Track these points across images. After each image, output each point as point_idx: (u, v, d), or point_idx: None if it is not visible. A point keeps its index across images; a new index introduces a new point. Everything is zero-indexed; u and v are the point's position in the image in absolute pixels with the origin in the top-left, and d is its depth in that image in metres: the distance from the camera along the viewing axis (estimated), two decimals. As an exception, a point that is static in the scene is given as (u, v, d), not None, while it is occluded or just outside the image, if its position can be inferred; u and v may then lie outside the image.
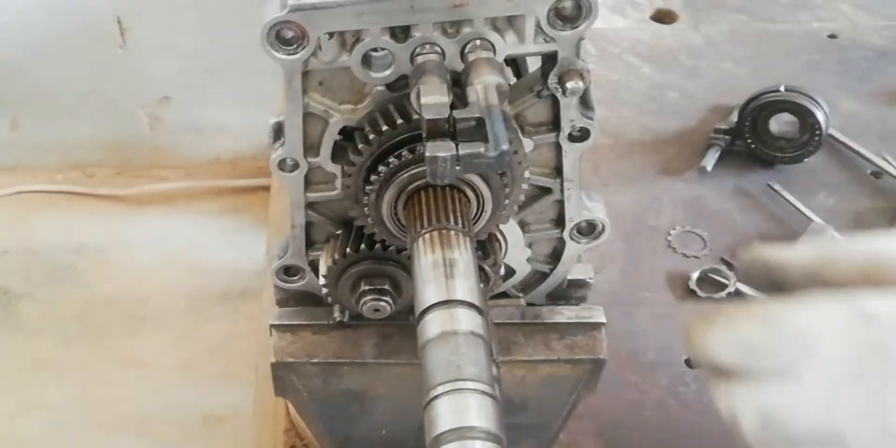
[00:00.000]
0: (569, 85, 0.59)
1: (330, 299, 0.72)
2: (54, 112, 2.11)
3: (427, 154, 0.51)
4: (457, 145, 0.51)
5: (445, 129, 0.53)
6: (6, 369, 1.87)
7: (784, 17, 1.47)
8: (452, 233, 0.57)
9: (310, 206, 0.69)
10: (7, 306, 1.98)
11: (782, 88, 1.17)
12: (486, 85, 0.54)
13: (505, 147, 0.51)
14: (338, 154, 0.64)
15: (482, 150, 0.52)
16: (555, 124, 0.64)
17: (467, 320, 0.52)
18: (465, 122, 0.52)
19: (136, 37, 1.97)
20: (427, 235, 0.57)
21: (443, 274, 0.54)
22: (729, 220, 1.14)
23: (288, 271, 0.74)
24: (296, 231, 0.70)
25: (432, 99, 0.53)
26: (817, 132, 1.14)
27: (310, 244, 0.72)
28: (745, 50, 1.41)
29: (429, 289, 0.54)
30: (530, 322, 0.75)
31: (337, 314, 0.74)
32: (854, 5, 1.48)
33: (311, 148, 0.64)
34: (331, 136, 0.63)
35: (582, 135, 0.64)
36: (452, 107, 0.54)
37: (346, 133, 0.64)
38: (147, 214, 2.15)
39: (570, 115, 0.63)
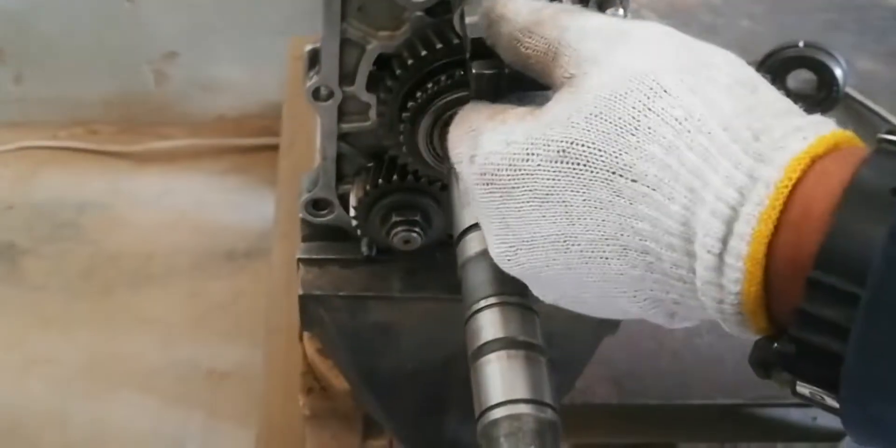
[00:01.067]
0: (608, 12, 0.59)
1: (359, 232, 0.72)
2: (59, 67, 2.09)
3: (473, 71, 0.51)
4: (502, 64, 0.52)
5: (490, 49, 0.53)
6: (11, 325, 1.88)
7: (800, -25, 1.46)
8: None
9: (342, 137, 0.69)
10: (12, 261, 1.98)
11: (801, 44, 1.16)
12: None
13: None
14: (372, 83, 0.64)
15: None
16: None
17: (507, 240, 0.53)
18: None
19: (142, -10, 1.95)
20: (465, 159, 0.57)
21: (481, 196, 0.55)
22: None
23: (316, 205, 0.74)
24: (327, 163, 0.70)
25: (476, 18, 0.53)
26: (835, 89, 1.14)
27: (339, 177, 0.72)
28: (763, 8, 1.40)
29: (467, 211, 0.54)
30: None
31: (364, 248, 0.74)
32: (871, -36, 1.47)
33: (346, 76, 0.64)
34: (367, 64, 0.63)
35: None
36: None
37: (381, 62, 0.64)
38: (151, 172, 2.14)
39: (607, 46, 0.63)
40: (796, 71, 1.17)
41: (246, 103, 2.20)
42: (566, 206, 0.43)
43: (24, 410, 1.74)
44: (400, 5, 0.60)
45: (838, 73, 1.14)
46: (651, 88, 0.42)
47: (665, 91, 0.42)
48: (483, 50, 0.53)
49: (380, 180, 0.68)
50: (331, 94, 0.65)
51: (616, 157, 0.42)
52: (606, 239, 0.42)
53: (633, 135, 0.41)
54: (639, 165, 0.41)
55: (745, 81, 0.43)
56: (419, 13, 0.60)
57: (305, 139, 1.72)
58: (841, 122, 1.20)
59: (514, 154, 0.45)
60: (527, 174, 0.45)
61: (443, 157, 0.61)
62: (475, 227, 0.53)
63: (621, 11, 0.60)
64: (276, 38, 1.99)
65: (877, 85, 1.23)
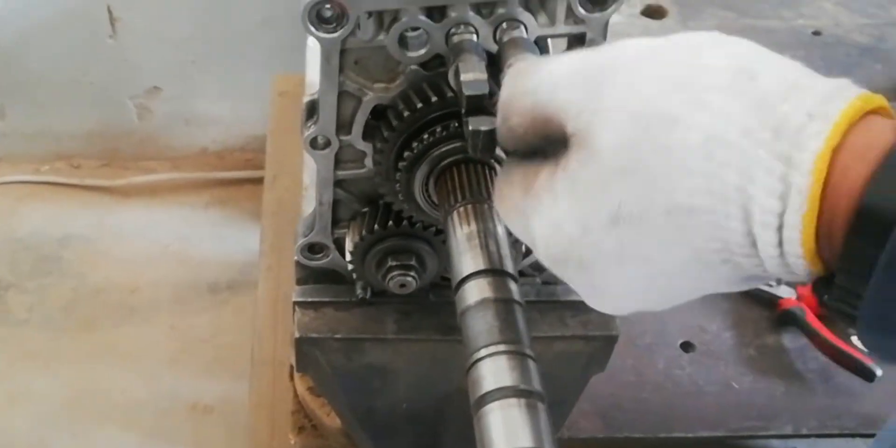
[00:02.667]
0: None
1: (354, 276, 0.74)
2: (42, 102, 2.09)
3: (470, 128, 0.53)
4: (498, 120, 0.54)
5: (484, 105, 0.55)
6: (-7, 360, 1.86)
7: (769, 14, 1.50)
8: (486, 205, 0.59)
9: (338, 184, 0.70)
10: (-6, 296, 1.97)
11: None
12: (514, 64, 0.56)
13: None
14: (368, 132, 0.66)
15: None
16: (578, 105, 0.66)
17: (504, 287, 0.54)
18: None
19: (126, 26, 1.96)
20: (461, 208, 0.59)
21: (478, 244, 0.57)
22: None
23: (312, 249, 0.76)
24: (323, 208, 0.72)
25: (472, 76, 0.56)
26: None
27: (335, 222, 0.73)
28: None
29: (466, 258, 0.56)
30: (546, 300, 0.78)
31: (359, 291, 0.76)
32: (836, 3, 1.52)
33: (342, 126, 0.66)
34: (363, 114, 0.65)
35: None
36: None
37: (376, 112, 0.66)
38: (134, 206, 2.14)
39: (595, 96, 0.65)
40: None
41: (228, 137, 2.21)
42: (642, 257, 0.46)
43: (7, 446, 1.73)
44: (395, 59, 0.62)
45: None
46: (659, 123, 0.43)
47: (673, 121, 0.43)
48: (479, 106, 0.55)
49: (375, 226, 0.69)
50: (328, 143, 0.67)
51: (663, 201, 0.44)
52: (686, 264, 0.45)
53: (667, 176, 0.43)
54: (687, 201, 0.43)
55: (741, 69, 0.44)
56: (414, 67, 0.62)
57: (289, 173, 1.74)
58: None
59: (571, 235, 0.47)
60: (591, 245, 0.47)
61: (438, 204, 0.63)
62: (473, 275, 0.55)
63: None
64: (258, 72, 2.01)
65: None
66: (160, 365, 1.89)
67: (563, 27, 0.61)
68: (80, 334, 1.91)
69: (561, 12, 0.60)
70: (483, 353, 0.51)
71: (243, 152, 2.22)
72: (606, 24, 0.61)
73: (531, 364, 0.51)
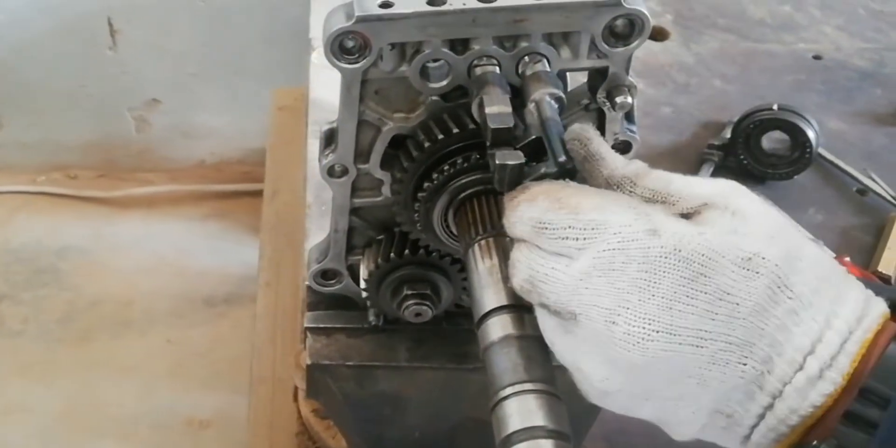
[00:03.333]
0: (618, 100, 0.62)
1: (368, 303, 0.73)
2: (40, 112, 2.08)
3: (497, 162, 0.53)
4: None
5: (509, 138, 0.55)
6: (-11, 372, 1.85)
7: (770, 37, 1.50)
8: (507, 239, 0.58)
9: (353, 211, 0.70)
10: (-10, 308, 1.96)
11: (775, 107, 1.20)
12: (539, 100, 0.56)
13: (562, 159, 0.53)
14: (386, 161, 0.66)
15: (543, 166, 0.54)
16: (597, 136, 0.66)
17: (528, 323, 0.54)
18: (525, 147, 0.55)
19: (126, 38, 1.96)
20: (483, 241, 0.59)
21: (500, 279, 0.56)
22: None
23: (325, 275, 0.75)
24: (338, 236, 0.71)
25: (496, 109, 0.55)
26: (808, 150, 1.18)
27: (349, 249, 0.73)
28: (734, 68, 1.43)
29: (488, 293, 0.56)
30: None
31: (372, 318, 0.75)
32: (837, 28, 1.53)
33: (360, 155, 0.66)
34: (382, 144, 0.65)
35: (624, 147, 0.66)
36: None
37: (394, 141, 0.66)
38: (131, 218, 2.13)
39: (615, 129, 0.65)
40: (770, 132, 1.20)
41: (226, 149, 2.21)
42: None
43: (1, 461, 1.71)
44: (416, 90, 0.62)
45: (811, 134, 1.18)
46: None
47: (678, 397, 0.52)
48: (504, 139, 0.55)
49: (391, 254, 0.69)
50: (345, 171, 0.66)
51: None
52: (738, 345, 0.50)
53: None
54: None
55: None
56: (435, 97, 0.62)
57: (288, 187, 1.73)
58: (813, 181, 1.22)
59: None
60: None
61: (457, 235, 0.63)
62: (496, 310, 0.55)
63: (630, 99, 0.62)
64: (257, 86, 2.02)
65: (845, 144, 1.27)
66: (157, 378, 1.88)
67: (586, 61, 0.61)
68: (76, 347, 1.90)
69: (584, 47, 0.60)
70: (509, 391, 0.50)
71: (241, 165, 2.22)
72: (629, 58, 0.61)
73: (558, 403, 0.51)
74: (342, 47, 0.58)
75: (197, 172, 2.21)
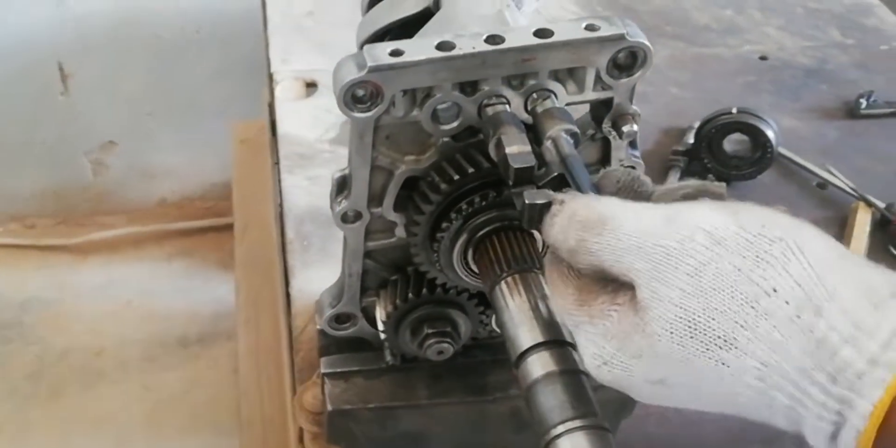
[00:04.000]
0: (624, 129, 0.63)
1: (387, 344, 0.73)
2: (-8, 164, 2.04)
3: (526, 202, 0.53)
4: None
5: (532, 177, 0.56)
6: (-44, 435, 1.78)
7: (717, 42, 1.55)
8: (534, 273, 0.59)
9: (367, 254, 0.70)
10: (-47, 368, 1.89)
11: (734, 110, 1.24)
12: (556, 137, 0.57)
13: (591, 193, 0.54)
14: (399, 203, 0.66)
15: None
16: (603, 164, 0.67)
17: (567, 358, 0.55)
18: (548, 184, 0.56)
19: (78, 82, 1.93)
20: (509, 279, 0.59)
21: (533, 316, 0.57)
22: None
23: (339, 319, 0.75)
24: (352, 280, 0.71)
25: (516, 148, 0.56)
26: (769, 150, 1.22)
27: (362, 291, 0.73)
28: (687, 75, 1.47)
29: (523, 331, 0.56)
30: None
31: (389, 358, 0.75)
32: (779, 28, 1.57)
33: (373, 199, 0.66)
34: (395, 187, 0.65)
35: (629, 173, 0.68)
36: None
37: (406, 183, 0.66)
38: (94, 264, 2.08)
39: (620, 156, 0.66)
40: (731, 135, 1.24)
41: (187, 186, 2.18)
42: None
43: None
44: (426, 132, 0.62)
45: (770, 134, 1.22)
46: (715, 340, 0.46)
47: (729, 342, 0.46)
48: (527, 178, 0.56)
49: (409, 294, 0.69)
50: (359, 216, 0.66)
51: (710, 391, 0.48)
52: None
53: (718, 380, 0.47)
54: (736, 400, 0.47)
55: (807, 301, 0.45)
56: (446, 139, 0.63)
57: (258, 223, 1.72)
58: (775, 179, 1.25)
59: (613, 371, 0.51)
60: (633, 387, 0.51)
61: (479, 273, 0.63)
62: (534, 348, 0.55)
63: (635, 127, 0.64)
64: (213, 120, 2.00)
65: (801, 141, 1.30)
66: (134, 427, 1.84)
67: (591, 93, 0.62)
68: (48, 402, 1.85)
69: (590, 80, 0.61)
70: (560, 429, 0.51)
71: (203, 201, 2.19)
72: (633, 88, 0.62)
73: (606, 436, 0.51)
74: (354, 97, 0.59)
75: (158, 212, 2.18)
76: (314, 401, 0.82)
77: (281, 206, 1.19)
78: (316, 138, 1.27)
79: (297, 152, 1.26)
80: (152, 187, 2.17)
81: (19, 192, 2.09)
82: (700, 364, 0.47)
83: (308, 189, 1.17)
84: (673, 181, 1.24)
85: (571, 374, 0.54)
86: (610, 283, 0.51)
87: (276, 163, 1.26)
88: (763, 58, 1.51)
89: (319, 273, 0.95)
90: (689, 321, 0.47)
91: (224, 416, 1.58)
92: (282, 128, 1.31)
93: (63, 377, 1.89)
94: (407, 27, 0.73)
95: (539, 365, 0.54)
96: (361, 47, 0.60)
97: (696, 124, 1.27)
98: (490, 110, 0.60)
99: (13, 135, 1.99)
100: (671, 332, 0.47)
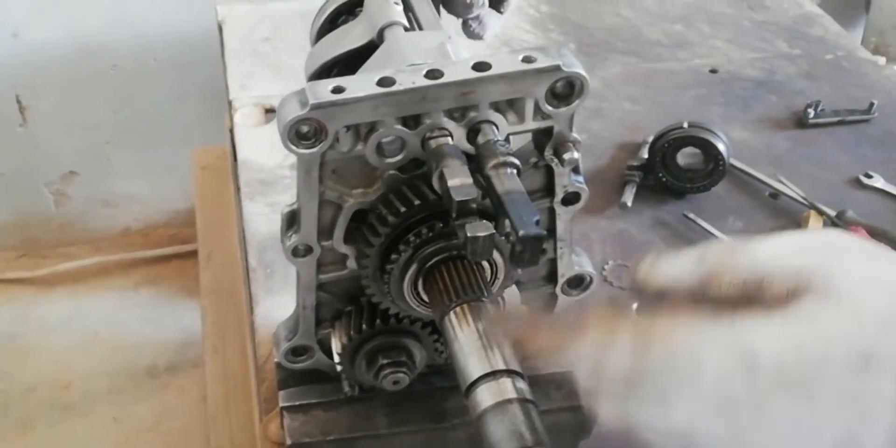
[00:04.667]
0: (566, 156, 0.64)
1: (344, 376, 0.73)
2: (-49, 198, 2.01)
3: (468, 234, 0.54)
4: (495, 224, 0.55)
5: (474, 209, 0.57)
6: (-80, 476, 1.75)
7: (667, 56, 1.57)
8: (481, 303, 0.60)
9: (320, 286, 0.70)
10: (-83, 407, 1.86)
11: (685, 125, 1.26)
12: (500, 172, 0.58)
13: (524, 233, 0.54)
14: (349, 235, 0.67)
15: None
16: (548, 190, 0.68)
17: (516, 388, 0.55)
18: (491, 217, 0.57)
19: (36, 114, 1.91)
20: (458, 308, 0.60)
21: (482, 345, 0.57)
22: (654, 251, 1.21)
23: (295, 351, 0.75)
24: (306, 312, 0.71)
25: (458, 181, 0.57)
26: (721, 162, 1.23)
27: (317, 322, 0.73)
28: (639, 89, 1.49)
29: (472, 361, 0.57)
30: (529, 375, 0.79)
31: (347, 389, 0.76)
32: (727, 41, 1.60)
33: (323, 232, 0.66)
34: (344, 220, 0.65)
35: (574, 198, 0.69)
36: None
37: (355, 215, 0.66)
38: (59, 295, 2.06)
39: (563, 182, 0.67)
40: (684, 148, 1.25)
41: (150, 214, 2.17)
42: None
43: None
44: (372, 165, 0.63)
45: (721, 147, 1.24)
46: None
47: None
48: (468, 209, 0.57)
49: (363, 325, 0.70)
50: (309, 250, 0.67)
51: None
52: None
53: None
54: None
55: None
56: (392, 171, 0.63)
57: (222, 249, 1.71)
58: (728, 190, 1.26)
59: None
60: None
61: (430, 303, 0.64)
62: (484, 378, 0.56)
63: (576, 154, 0.65)
64: (174, 148, 1.99)
65: (752, 152, 1.32)
66: (104, 461, 1.82)
67: (532, 123, 0.63)
68: (16, 438, 1.82)
69: (529, 110, 0.62)
70: (511, 458, 0.51)
71: (167, 228, 2.18)
72: (572, 116, 0.63)
73: (558, 464, 0.52)
74: (298, 134, 0.59)
75: (123, 241, 2.16)
76: (278, 431, 0.82)
77: (243, 233, 1.19)
78: (276, 164, 1.27)
79: (258, 179, 1.26)
80: (115, 216, 2.15)
81: (-20, 226, 2.07)
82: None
83: (269, 216, 1.17)
84: (629, 195, 1.26)
85: (521, 403, 0.54)
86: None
87: (239, 189, 1.26)
88: (713, 71, 1.53)
89: (283, 300, 0.95)
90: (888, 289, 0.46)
91: (196, 445, 1.56)
92: (242, 154, 1.31)
93: (31, 412, 1.87)
94: (353, 59, 0.74)
95: (489, 394, 0.55)
96: (310, 79, 0.61)
97: (650, 139, 1.29)
98: (433, 143, 0.61)
99: (-28, 168, 1.97)
100: (876, 304, 0.45)
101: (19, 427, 1.84)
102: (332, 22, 0.81)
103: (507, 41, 1.54)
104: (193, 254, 1.69)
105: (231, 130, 1.37)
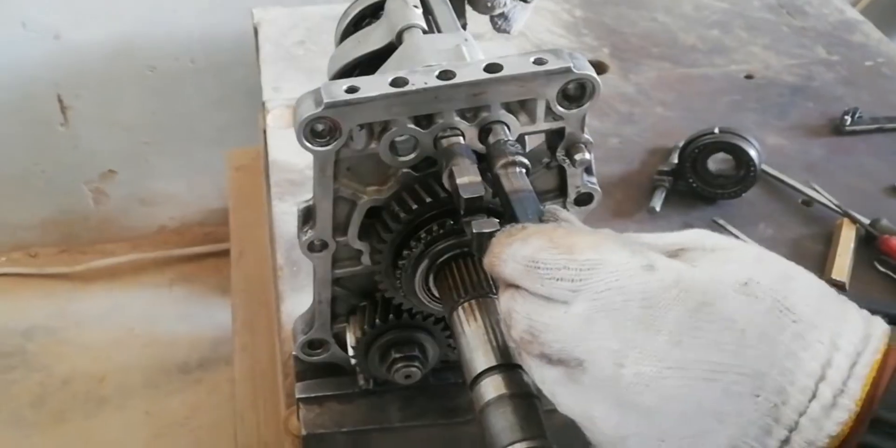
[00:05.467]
0: (577, 157, 0.65)
1: (358, 369, 0.75)
2: (-5, 195, 2.08)
3: (474, 230, 0.55)
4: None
5: (482, 206, 0.58)
6: (-41, 463, 1.80)
7: (703, 62, 1.56)
8: (489, 298, 0.61)
9: (335, 281, 0.72)
10: (-43, 396, 1.91)
11: (717, 130, 1.25)
12: (508, 171, 0.59)
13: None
14: (364, 231, 0.68)
15: None
16: (560, 190, 0.69)
17: (520, 382, 0.56)
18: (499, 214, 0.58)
19: (77, 113, 1.97)
20: (466, 304, 0.61)
21: (488, 340, 0.59)
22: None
23: (312, 345, 0.77)
24: (322, 306, 0.73)
25: (467, 179, 0.58)
26: (752, 168, 1.23)
27: (333, 317, 0.75)
28: (673, 94, 1.48)
29: (478, 355, 0.58)
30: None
31: (362, 382, 0.77)
32: (764, 47, 1.59)
33: (338, 228, 0.68)
34: (359, 216, 0.67)
35: (586, 198, 0.70)
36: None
37: (370, 211, 0.68)
38: (95, 291, 2.11)
39: (576, 183, 0.68)
40: (715, 154, 1.25)
41: (186, 213, 2.21)
42: None
43: None
44: (386, 163, 0.64)
45: (753, 153, 1.23)
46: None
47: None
48: (477, 207, 0.58)
49: (377, 320, 0.71)
50: (325, 245, 0.69)
51: None
52: (749, 375, 0.47)
53: None
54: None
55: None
56: (405, 169, 0.65)
57: (254, 249, 1.74)
58: (760, 197, 1.24)
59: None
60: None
61: (440, 299, 0.65)
62: (488, 371, 0.57)
63: (587, 155, 0.66)
64: (211, 148, 2.03)
65: (786, 159, 1.31)
66: (136, 453, 1.85)
67: (543, 124, 0.64)
68: (51, 429, 1.87)
69: (541, 111, 0.63)
70: (511, 450, 0.52)
71: (202, 227, 2.22)
72: (584, 118, 0.64)
73: (557, 457, 0.53)
74: (313, 131, 0.61)
75: (158, 239, 2.21)
76: (298, 424, 0.84)
77: (272, 232, 1.22)
78: (306, 165, 1.28)
79: (288, 179, 1.29)
80: (152, 214, 2.20)
81: (22, 222, 2.13)
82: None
83: (298, 215, 1.19)
84: (658, 200, 1.26)
85: (522, 398, 0.55)
86: None
87: (270, 189, 1.29)
88: (749, 76, 1.52)
89: (308, 298, 0.97)
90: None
91: (225, 441, 1.59)
92: (273, 155, 1.33)
93: (66, 404, 1.91)
94: (374, 60, 0.76)
95: (492, 387, 0.56)
96: (332, 80, 0.63)
97: (681, 144, 1.28)
98: (444, 142, 0.62)
99: (16, 165, 2.03)
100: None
101: (55, 418, 1.89)
102: (356, 25, 0.83)
103: (539, 45, 1.54)
104: (227, 252, 1.72)
105: (264, 131, 1.39)
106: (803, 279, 0.51)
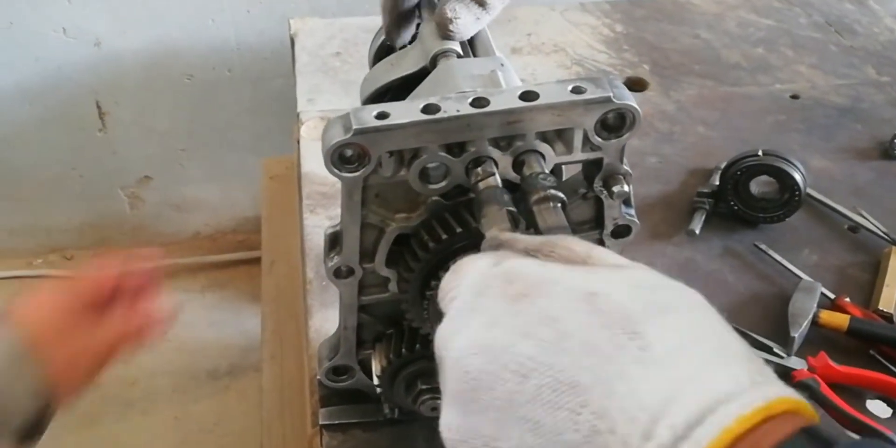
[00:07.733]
0: (615, 189, 0.63)
1: (383, 398, 0.73)
2: (32, 196, 2.10)
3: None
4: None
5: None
6: (-10, 464, 1.82)
7: (747, 80, 1.52)
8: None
9: (362, 308, 0.70)
10: (-11, 397, 1.93)
11: (760, 152, 1.22)
12: (542, 208, 0.56)
13: None
14: (391, 258, 0.67)
15: None
16: (597, 222, 0.67)
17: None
18: None
19: (114, 119, 1.98)
20: (494, 339, 0.59)
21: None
22: (721, 281, 1.17)
23: (336, 371, 0.75)
24: (347, 333, 0.71)
25: (494, 233, 0.55)
26: (796, 192, 1.19)
27: (359, 344, 0.73)
28: (715, 113, 1.44)
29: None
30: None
31: (387, 411, 0.75)
32: (811, 66, 1.55)
33: (365, 255, 0.66)
34: (386, 244, 0.65)
35: (624, 230, 0.67)
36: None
37: (397, 239, 0.66)
38: (129, 295, 2.12)
39: (614, 214, 0.66)
40: (758, 177, 1.21)
41: (220, 220, 2.22)
42: None
43: None
44: (415, 191, 0.63)
45: (797, 177, 1.19)
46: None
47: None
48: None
49: (403, 350, 0.69)
50: (351, 272, 0.67)
51: None
52: (568, 384, 0.42)
53: None
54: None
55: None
56: (435, 197, 0.63)
57: (286, 258, 1.74)
58: (804, 221, 1.20)
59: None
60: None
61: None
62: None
63: (626, 187, 0.63)
64: (246, 156, 2.04)
65: (832, 182, 1.27)
66: (164, 458, 1.86)
67: (580, 154, 0.62)
68: (81, 431, 1.88)
69: (578, 141, 0.61)
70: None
71: (235, 234, 2.23)
72: (623, 148, 0.62)
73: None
74: (342, 157, 0.59)
75: (192, 245, 2.22)
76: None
77: (303, 244, 1.21)
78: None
79: (320, 192, 1.28)
80: (187, 221, 2.21)
81: (59, 225, 2.15)
82: None
83: (329, 229, 1.18)
84: (698, 222, 1.23)
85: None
86: None
87: (301, 201, 1.28)
88: (794, 96, 1.48)
89: (337, 313, 0.97)
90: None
91: (251, 449, 1.59)
92: (305, 167, 1.32)
93: (96, 407, 1.92)
94: (407, 84, 0.74)
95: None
96: (364, 104, 0.61)
97: (723, 165, 1.25)
98: (481, 185, 0.59)
99: (54, 169, 2.05)
100: None
101: (85, 421, 1.90)
102: (390, 47, 0.81)
103: (579, 61, 1.52)
104: (259, 260, 1.72)
105: (298, 142, 1.39)
106: (692, 321, 0.43)
